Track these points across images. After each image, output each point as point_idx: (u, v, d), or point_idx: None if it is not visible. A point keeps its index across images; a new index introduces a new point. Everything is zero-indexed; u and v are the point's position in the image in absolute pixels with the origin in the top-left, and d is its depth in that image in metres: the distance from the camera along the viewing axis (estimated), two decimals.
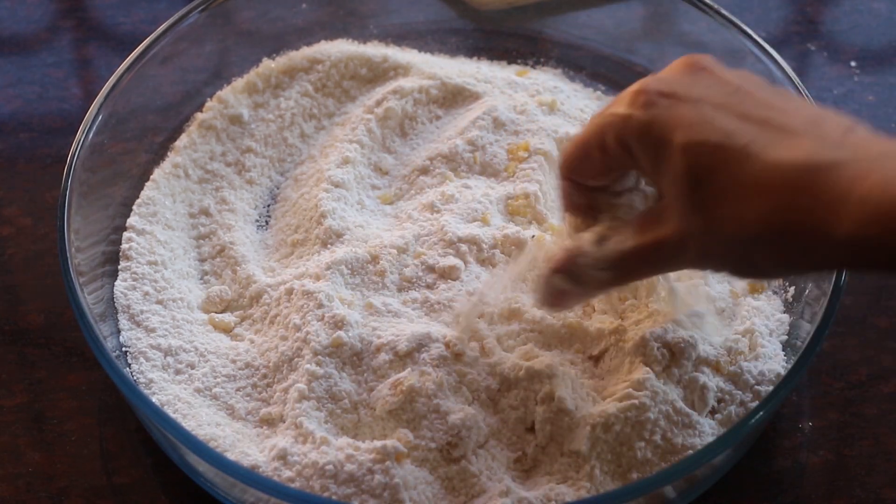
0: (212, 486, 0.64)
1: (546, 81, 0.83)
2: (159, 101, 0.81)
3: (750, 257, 0.54)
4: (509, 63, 0.87)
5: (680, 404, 0.64)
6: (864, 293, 0.78)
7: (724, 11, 0.81)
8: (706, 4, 0.82)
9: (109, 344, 0.66)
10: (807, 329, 0.67)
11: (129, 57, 0.78)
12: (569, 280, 0.60)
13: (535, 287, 0.64)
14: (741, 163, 0.53)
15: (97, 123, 0.74)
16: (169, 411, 0.65)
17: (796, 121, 0.54)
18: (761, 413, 0.61)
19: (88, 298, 0.67)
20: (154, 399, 0.66)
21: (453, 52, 0.88)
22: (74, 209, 0.70)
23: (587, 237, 0.60)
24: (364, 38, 0.87)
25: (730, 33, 0.81)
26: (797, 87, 0.76)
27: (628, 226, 0.59)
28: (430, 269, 0.70)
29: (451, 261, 0.70)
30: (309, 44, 0.86)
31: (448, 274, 0.70)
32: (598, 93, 0.85)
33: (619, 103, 0.57)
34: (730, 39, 0.81)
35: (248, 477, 0.60)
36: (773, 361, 0.68)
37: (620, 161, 0.58)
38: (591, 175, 0.60)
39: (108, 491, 0.68)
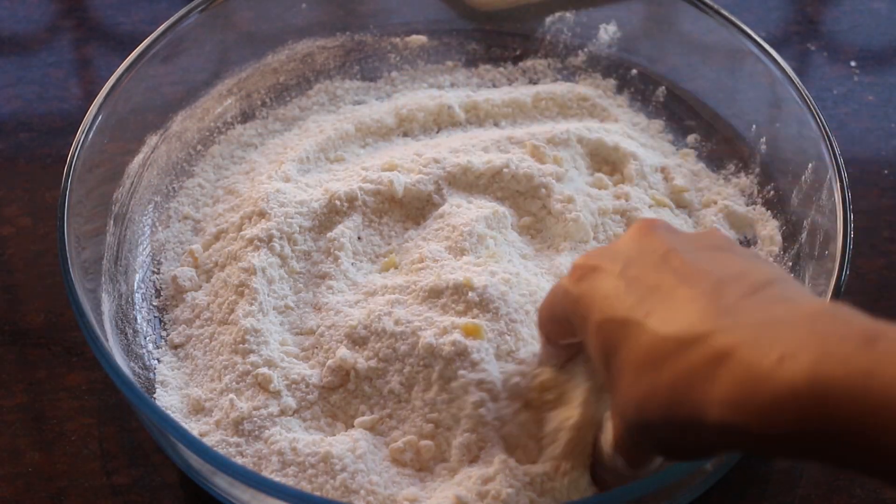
0: (212, 486, 0.64)
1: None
2: (159, 101, 0.81)
3: (646, 441, 0.52)
4: (513, 63, 0.88)
5: None
6: (864, 293, 0.78)
7: (724, 11, 0.81)
8: (706, 4, 0.82)
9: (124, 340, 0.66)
10: None
11: (129, 57, 0.78)
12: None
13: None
14: (636, 336, 0.51)
15: (97, 123, 0.74)
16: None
17: (705, 283, 0.52)
18: None
19: (88, 298, 0.67)
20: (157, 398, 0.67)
21: (453, 52, 0.88)
22: (74, 209, 0.70)
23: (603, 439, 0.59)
24: (364, 37, 0.88)
25: (730, 33, 0.81)
26: (797, 87, 0.76)
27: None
28: None
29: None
30: (309, 44, 0.87)
31: None
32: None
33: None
34: (730, 39, 0.81)
35: (248, 477, 0.60)
36: None
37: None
38: (562, 337, 0.60)
39: (107, 491, 0.68)
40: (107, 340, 0.66)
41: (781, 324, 0.48)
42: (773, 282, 0.52)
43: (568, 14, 0.88)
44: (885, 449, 0.44)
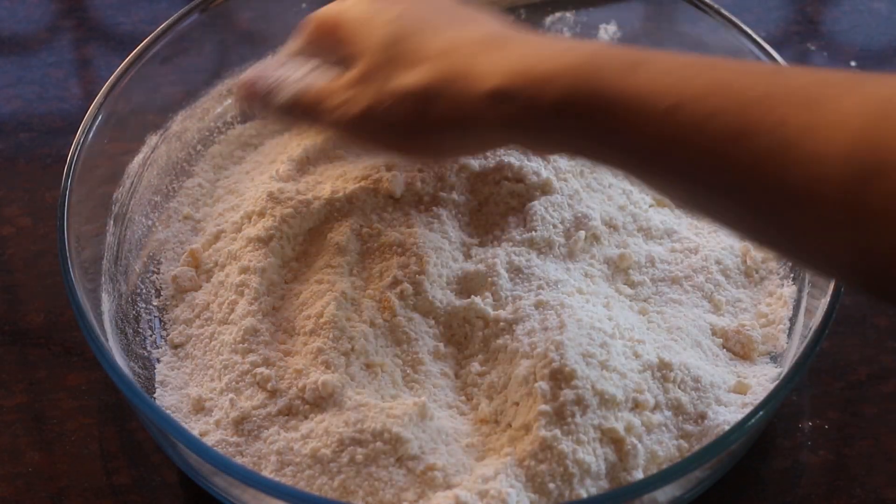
0: (212, 486, 0.64)
1: None
2: (159, 101, 0.81)
3: (414, 112, 0.59)
4: None
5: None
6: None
7: (724, 11, 0.81)
8: (706, 4, 0.82)
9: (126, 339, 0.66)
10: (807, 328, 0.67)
11: (129, 57, 0.78)
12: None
13: None
14: (433, 35, 0.61)
15: (97, 123, 0.74)
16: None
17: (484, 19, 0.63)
18: (761, 413, 0.61)
19: (88, 298, 0.67)
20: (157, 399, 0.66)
21: None
22: (74, 209, 0.70)
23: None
24: None
25: (730, 33, 0.81)
26: None
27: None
28: None
29: None
30: None
31: None
32: None
33: None
34: (730, 39, 0.81)
35: (248, 477, 0.60)
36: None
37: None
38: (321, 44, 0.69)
39: (107, 491, 0.68)
40: (107, 340, 0.66)
41: (568, 40, 0.64)
42: None
43: (568, 14, 0.88)
44: (629, 132, 0.53)
